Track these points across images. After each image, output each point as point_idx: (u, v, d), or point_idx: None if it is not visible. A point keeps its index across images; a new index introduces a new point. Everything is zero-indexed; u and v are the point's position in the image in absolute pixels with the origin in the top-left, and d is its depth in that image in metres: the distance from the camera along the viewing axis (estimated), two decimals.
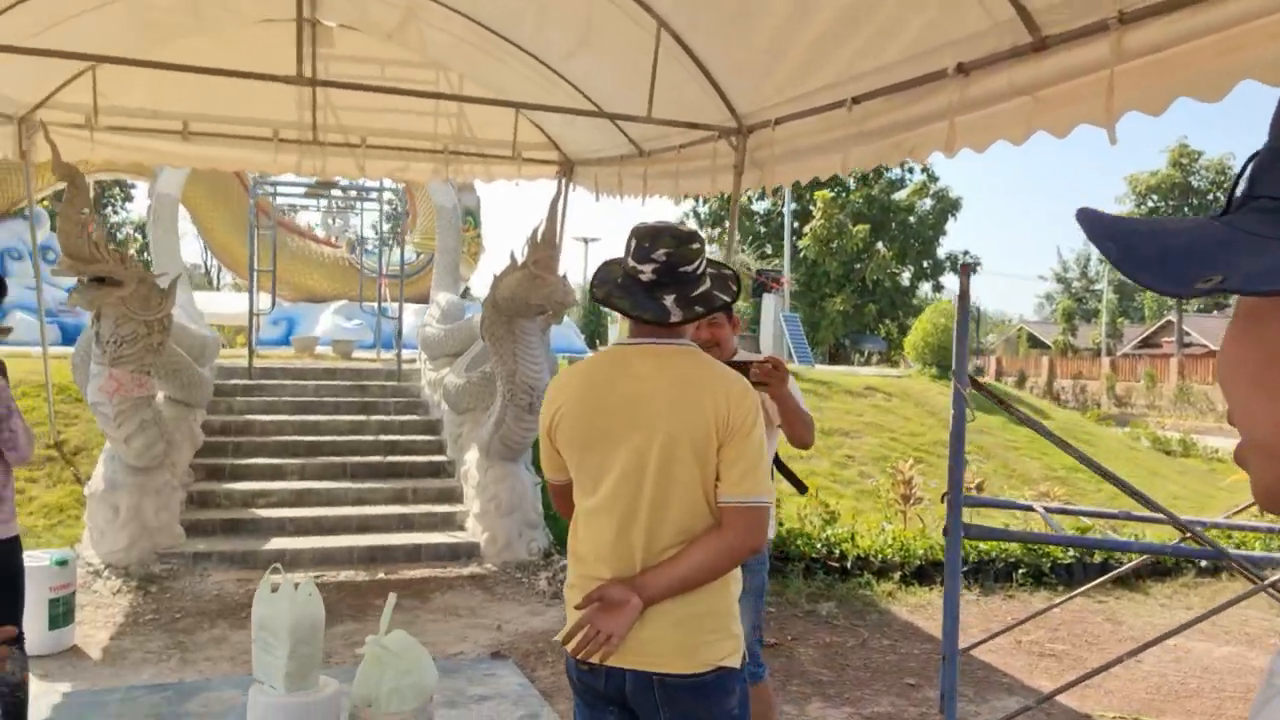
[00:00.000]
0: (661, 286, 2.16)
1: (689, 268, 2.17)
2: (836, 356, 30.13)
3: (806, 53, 4.13)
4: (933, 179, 31.19)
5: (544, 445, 2.30)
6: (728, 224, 31.85)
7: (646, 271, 2.15)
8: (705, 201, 31.59)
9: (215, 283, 46.32)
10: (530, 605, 6.08)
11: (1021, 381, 28.22)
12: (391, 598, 3.56)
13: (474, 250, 17.65)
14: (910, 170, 31.07)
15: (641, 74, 5.17)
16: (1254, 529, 4.37)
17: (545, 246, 6.42)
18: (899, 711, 4.70)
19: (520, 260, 6.45)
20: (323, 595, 6.77)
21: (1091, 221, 0.57)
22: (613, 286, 2.23)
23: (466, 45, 6.65)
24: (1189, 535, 3.52)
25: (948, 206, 30.94)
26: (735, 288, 2.31)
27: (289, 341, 14.36)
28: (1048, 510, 4.60)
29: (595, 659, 2.10)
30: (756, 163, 4.94)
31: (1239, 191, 0.54)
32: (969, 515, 7.59)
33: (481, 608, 6.00)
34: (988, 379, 28.15)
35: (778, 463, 3.56)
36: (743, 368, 3.03)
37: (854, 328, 30.24)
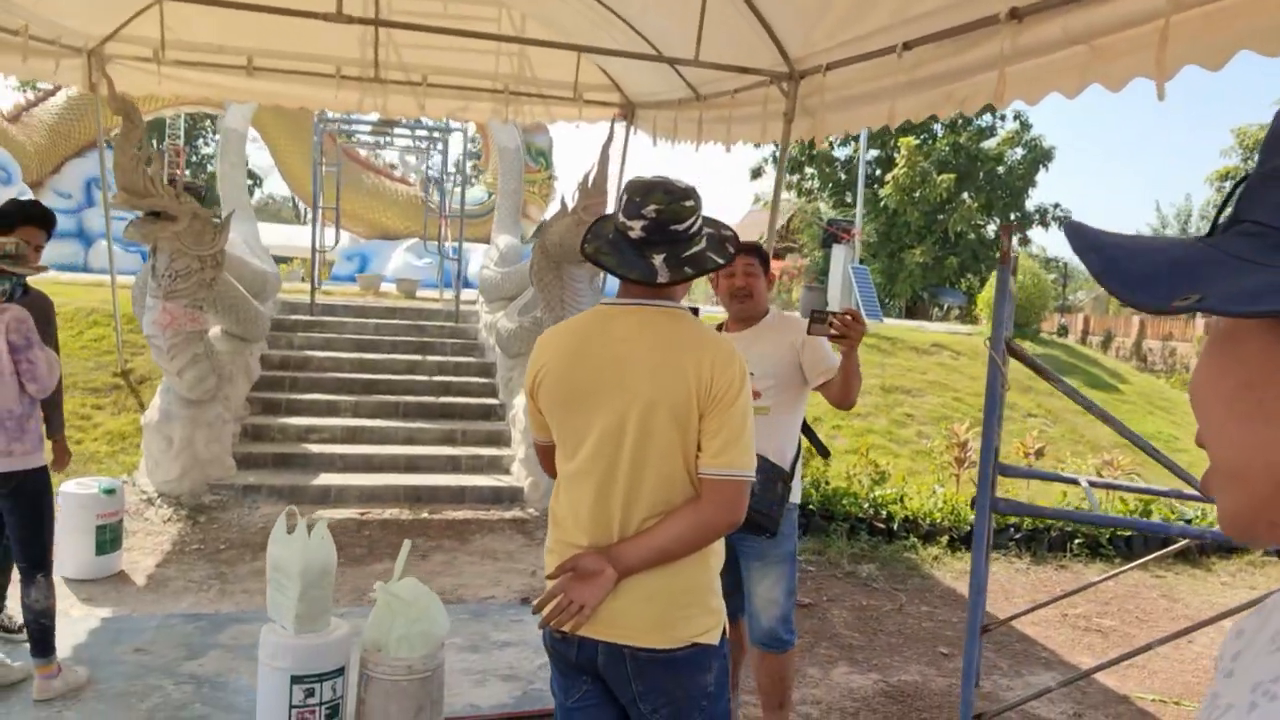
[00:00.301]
0: (651, 245, 2.05)
1: (681, 226, 2.05)
2: (914, 310, 29.40)
3: None
4: (1026, 127, 29.89)
5: (529, 405, 2.24)
6: (806, 169, 31.12)
7: (636, 228, 2.05)
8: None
9: (301, 216, 47.28)
10: None
11: (1107, 342, 27.19)
12: (406, 545, 3.58)
13: (545, 192, 17.59)
14: (1002, 118, 29.82)
15: (697, 14, 4.98)
16: None
17: (595, 192, 6.31)
18: (926, 681, 4.60)
19: (570, 206, 6.36)
20: (365, 533, 6.92)
21: (1078, 234, 0.58)
22: (603, 242, 2.13)
23: None
24: None
25: (1039, 157, 29.61)
26: (732, 249, 2.18)
27: None
28: (1092, 484, 4.41)
29: (567, 628, 2.05)
30: (808, 110, 4.74)
31: (1225, 216, 0.55)
32: (1017, 486, 7.36)
33: (520, 552, 6.04)
34: (1071, 339, 27.23)
35: (804, 427, 3.46)
36: (822, 317, 2.98)
37: (933, 281, 29.39)
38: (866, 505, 6.93)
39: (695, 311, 2.37)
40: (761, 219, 33.98)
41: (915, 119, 3.93)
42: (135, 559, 5.37)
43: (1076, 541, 6.96)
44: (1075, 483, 4.39)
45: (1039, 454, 7.75)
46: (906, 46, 3.74)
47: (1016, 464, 8.15)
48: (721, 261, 2.13)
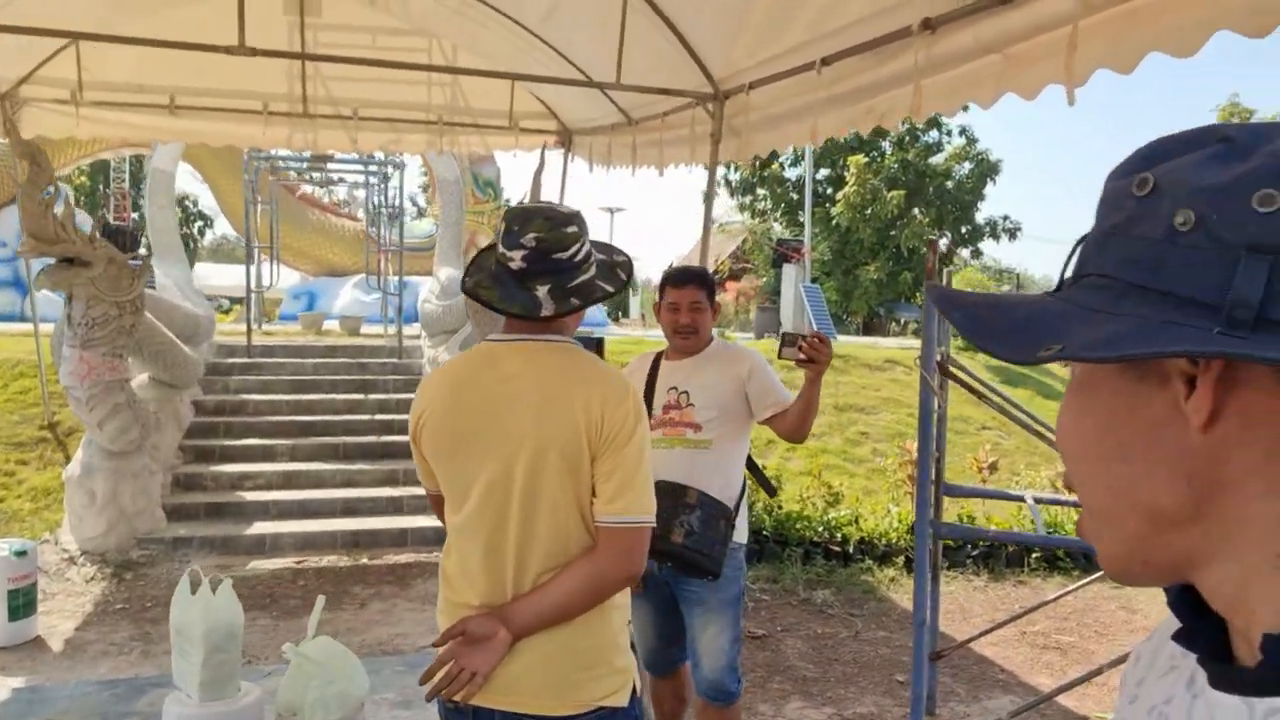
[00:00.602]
0: (533, 275, 1.90)
1: (564, 254, 1.90)
2: (872, 327, 29.56)
3: (772, 8, 3.82)
4: (972, 142, 30.33)
5: (415, 452, 2.08)
6: (758, 191, 31.25)
7: (516, 259, 1.90)
8: (736, 169, 31.05)
9: (255, 256, 46.65)
10: None
11: None
12: (320, 601, 3.37)
13: (494, 222, 17.44)
14: (948, 133, 30.25)
15: (617, 37, 4.88)
16: None
17: None
18: (882, 712, 4.45)
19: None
20: (300, 582, 6.60)
21: (943, 298, 0.62)
22: (484, 275, 1.98)
23: (445, 9, 6.38)
24: None
25: (987, 170, 30.01)
26: (625, 276, 2.05)
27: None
28: (1039, 501, 4.31)
29: (459, 698, 1.88)
30: (734, 130, 4.63)
31: (1069, 272, 0.58)
32: (973, 502, 7.27)
33: None
34: None
35: (749, 462, 3.31)
36: (792, 340, 2.88)
37: (889, 297, 29.58)
38: (821, 529, 6.80)
39: (598, 346, 2.25)
40: (718, 243, 34.06)
41: (838, 135, 3.83)
42: (53, 623, 5.09)
43: (1034, 556, 6.88)
44: (1021, 500, 4.30)
45: (993, 468, 7.68)
46: (825, 62, 3.64)
47: (970, 480, 8.09)
48: (612, 290, 1.98)
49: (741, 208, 31.93)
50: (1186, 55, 2.15)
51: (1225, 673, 0.55)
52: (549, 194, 6.56)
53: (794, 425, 3.03)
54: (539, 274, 1.89)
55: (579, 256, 1.93)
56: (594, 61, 5.85)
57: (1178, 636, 0.59)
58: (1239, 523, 0.52)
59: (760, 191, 31.50)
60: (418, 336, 9.86)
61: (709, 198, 4.87)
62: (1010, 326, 0.56)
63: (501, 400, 1.89)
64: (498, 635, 1.84)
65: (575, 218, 1.94)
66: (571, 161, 8.29)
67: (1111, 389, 0.55)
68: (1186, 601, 0.58)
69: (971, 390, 3.29)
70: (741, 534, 3.16)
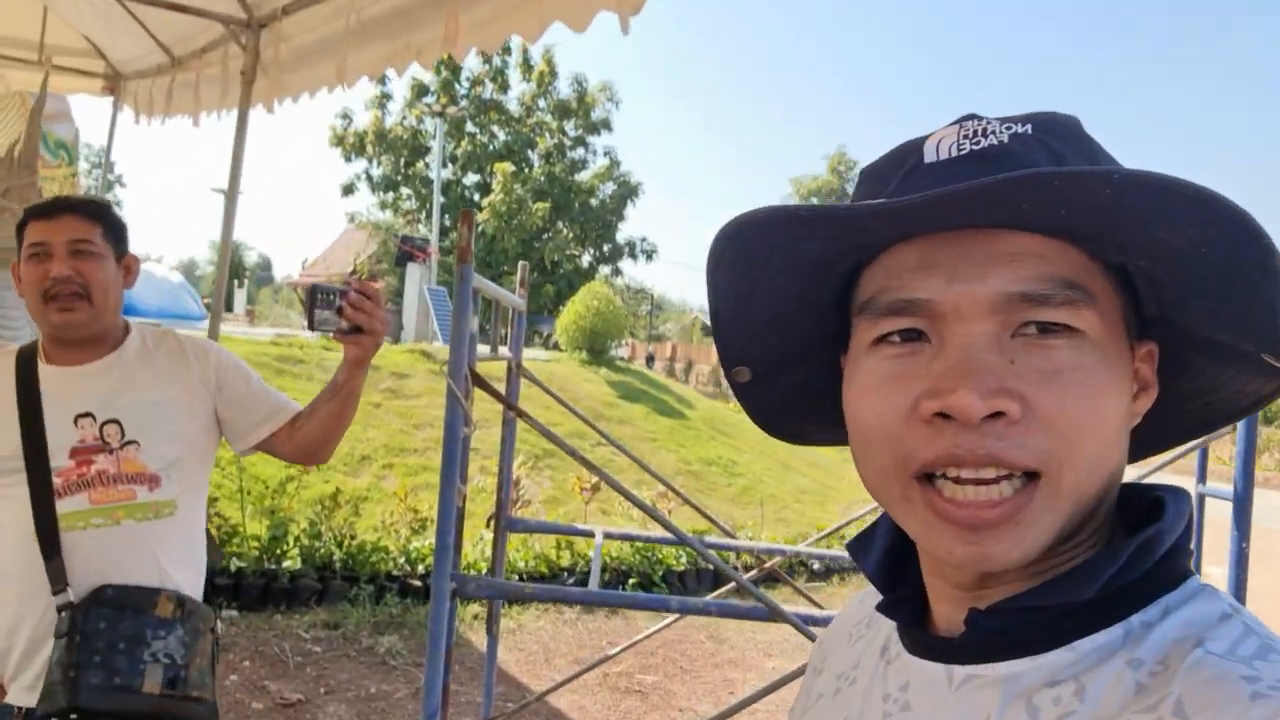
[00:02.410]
0: None
1: None
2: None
3: None
4: (615, 164, 31.18)
5: None
6: (402, 190, 29.95)
7: None
8: (378, 164, 29.51)
9: None
10: None
11: (688, 368, 28.94)
12: None
13: (69, 190, 14.75)
14: (594, 153, 30.90)
15: None
16: (783, 552, 3.76)
17: (23, 171, 4.74)
18: None
19: None
20: None
21: None
22: None
23: None
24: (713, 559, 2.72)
25: (628, 192, 30.99)
26: None
27: None
28: (609, 536, 3.77)
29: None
30: (266, 69, 3.67)
31: None
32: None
33: None
34: (659, 365, 28.61)
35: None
36: (328, 300, 1.75)
37: (531, 308, 29.54)
38: (402, 560, 5.94)
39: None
40: (358, 238, 32.16)
41: (372, 75, 3.02)
42: None
43: (631, 582, 6.50)
44: (590, 535, 3.73)
45: (595, 489, 7.26)
46: None
47: (574, 501, 7.63)
48: None
49: (384, 205, 30.44)
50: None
51: (927, 640, 0.59)
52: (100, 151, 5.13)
53: (319, 440, 2.01)
54: None
55: None
56: None
57: (881, 606, 0.63)
58: (1105, 511, 0.56)
59: (405, 190, 30.23)
60: None
61: (235, 166, 3.80)
62: None
63: None
64: None
65: None
66: (120, 111, 6.87)
67: (1126, 373, 0.55)
68: (885, 573, 0.64)
69: (504, 402, 2.59)
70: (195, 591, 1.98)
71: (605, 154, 30.81)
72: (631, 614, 6.23)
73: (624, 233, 31.70)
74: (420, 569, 5.90)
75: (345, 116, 29.42)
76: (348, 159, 29.53)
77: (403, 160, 29.40)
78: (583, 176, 30.40)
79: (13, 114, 10.75)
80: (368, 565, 5.77)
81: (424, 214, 30.18)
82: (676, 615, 4.26)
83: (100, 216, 1.91)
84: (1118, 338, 0.54)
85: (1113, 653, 0.50)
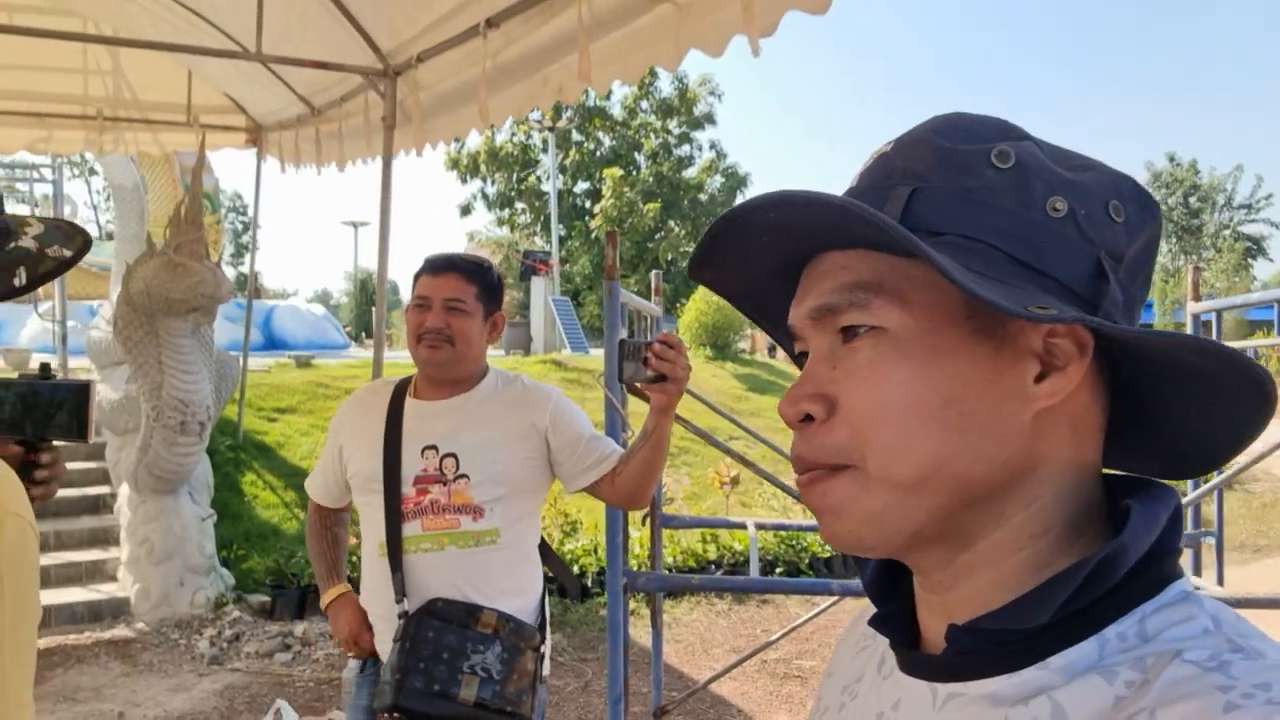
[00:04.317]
0: None
1: None
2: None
3: None
4: (721, 156, 31.17)
5: None
6: (516, 205, 30.63)
7: None
8: (492, 182, 30.34)
9: None
10: (179, 677, 4.88)
11: (773, 349, 28.65)
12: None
13: (214, 239, 15.76)
14: (699, 149, 30.95)
15: (278, 5, 4.08)
16: None
17: (190, 228, 5.19)
18: None
19: (159, 245, 5.20)
20: None
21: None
22: None
23: None
24: None
25: (736, 183, 30.95)
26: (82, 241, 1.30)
27: None
28: (762, 527, 3.90)
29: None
30: (408, 115, 3.94)
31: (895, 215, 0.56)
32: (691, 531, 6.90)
33: (112, 685, 4.76)
34: (781, 354, 28.39)
35: (542, 548, 2.29)
36: (635, 351, 1.82)
37: None
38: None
39: (45, 370, 1.49)
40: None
41: (517, 115, 3.22)
42: None
43: (778, 570, 6.61)
44: (743, 527, 3.87)
45: (734, 482, 7.39)
46: (490, 24, 3.04)
47: (714, 495, 7.77)
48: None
49: (500, 222, 31.25)
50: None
51: (914, 659, 0.59)
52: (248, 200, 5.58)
53: (636, 486, 2.08)
54: None
55: None
56: (252, 36, 4.98)
57: (873, 620, 0.62)
58: (1023, 503, 0.54)
59: (519, 205, 30.96)
60: (90, 369, 8.45)
61: (383, 203, 4.09)
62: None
63: None
64: None
65: None
66: (265, 161, 7.35)
67: (969, 358, 0.54)
68: (880, 587, 0.63)
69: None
70: (545, 663, 2.17)
71: (711, 147, 30.83)
72: (783, 602, 6.34)
73: None
74: (574, 570, 6.14)
75: (458, 139, 30.29)
76: (463, 180, 30.44)
77: (515, 175, 30.12)
78: (690, 173, 30.49)
79: (162, 175, 11.60)
80: None
81: (539, 226, 30.84)
82: (834, 599, 4.36)
83: (478, 279, 2.15)
84: (949, 323, 0.54)
85: (1087, 667, 0.50)
